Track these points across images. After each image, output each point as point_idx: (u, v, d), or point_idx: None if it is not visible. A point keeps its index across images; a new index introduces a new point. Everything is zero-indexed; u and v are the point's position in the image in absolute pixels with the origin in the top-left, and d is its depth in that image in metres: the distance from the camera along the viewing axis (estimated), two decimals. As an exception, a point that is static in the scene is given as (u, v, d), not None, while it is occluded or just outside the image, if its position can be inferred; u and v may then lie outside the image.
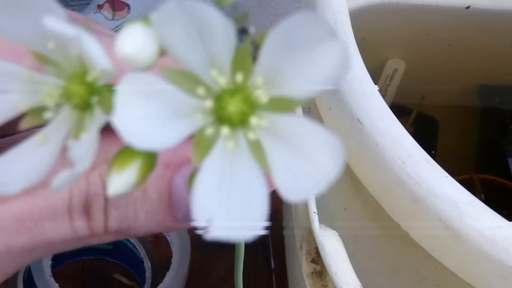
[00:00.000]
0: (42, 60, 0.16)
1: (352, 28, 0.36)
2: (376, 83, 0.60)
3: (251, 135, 0.15)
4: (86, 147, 0.14)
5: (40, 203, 0.21)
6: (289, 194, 0.14)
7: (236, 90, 0.15)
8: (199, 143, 0.15)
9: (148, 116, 0.14)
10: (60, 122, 0.16)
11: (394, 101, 0.56)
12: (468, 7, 0.48)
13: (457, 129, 0.60)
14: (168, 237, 0.53)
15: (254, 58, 0.15)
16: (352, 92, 0.32)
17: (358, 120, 0.31)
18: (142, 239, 0.53)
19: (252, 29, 0.16)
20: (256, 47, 0.15)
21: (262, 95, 0.15)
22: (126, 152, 0.15)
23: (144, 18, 0.15)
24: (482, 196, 0.52)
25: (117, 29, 0.66)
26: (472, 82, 0.58)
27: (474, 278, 0.28)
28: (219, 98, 0.15)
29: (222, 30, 0.14)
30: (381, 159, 0.30)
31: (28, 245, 0.21)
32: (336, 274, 0.32)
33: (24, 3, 0.14)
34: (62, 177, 0.14)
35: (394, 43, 0.53)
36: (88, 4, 0.68)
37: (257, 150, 0.15)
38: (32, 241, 0.21)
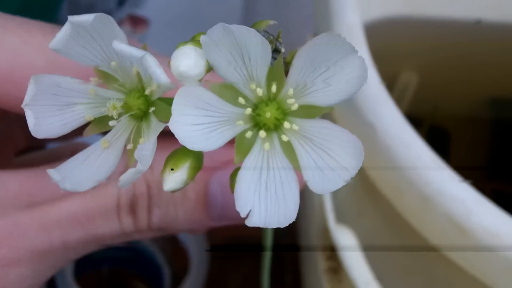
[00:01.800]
0: (105, 77, 0.19)
1: (366, 40, 0.37)
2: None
3: (284, 137, 0.17)
4: (147, 149, 0.17)
5: (93, 202, 0.24)
6: (316, 187, 0.17)
7: (271, 100, 0.18)
8: (240, 145, 0.18)
9: (198, 123, 0.17)
10: (120, 130, 0.18)
11: (407, 113, 0.57)
12: (478, 21, 0.50)
13: (469, 139, 0.61)
14: (186, 247, 0.55)
15: (286, 73, 0.17)
16: (365, 99, 0.33)
17: (372, 125, 0.33)
18: (162, 247, 0.54)
19: (283, 49, 0.18)
20: (287, 64, 0.18)
21: (292, 104, 0.17)
22: (178, 154, 0.18)
23: (194, 39, 0.18)
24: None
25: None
26: (484, 95, 0.58)
27: (481, 272, 0.29)
28: (257, 106, 0.18)
29: (261, 51, 0.16)
30: (393, 161, 0.31)
31: (81, 239, 0.24)
32: (350, 267, 0.34)
33: (99, 35, 0.17)
34: (128, 175, 0.17)
35: (407, 56, 0.54)
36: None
37: (289, 150, 0.17)
38: (85, 236, 0.24)
